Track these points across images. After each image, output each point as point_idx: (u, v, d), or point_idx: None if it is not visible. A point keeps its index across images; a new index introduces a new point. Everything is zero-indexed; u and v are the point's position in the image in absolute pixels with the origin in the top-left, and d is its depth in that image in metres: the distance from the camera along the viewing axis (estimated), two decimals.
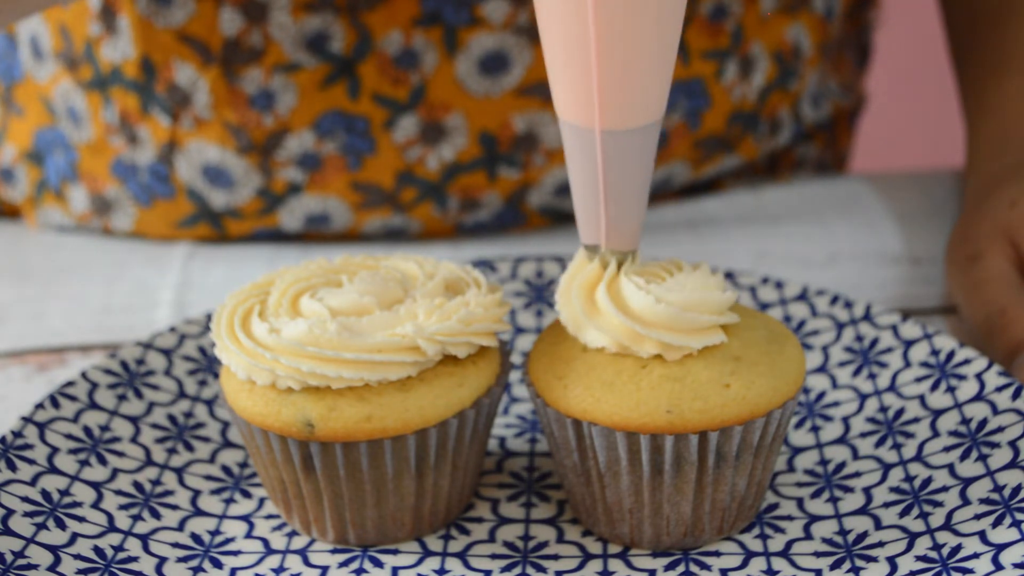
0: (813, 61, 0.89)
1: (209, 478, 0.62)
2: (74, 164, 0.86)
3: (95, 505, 0.59)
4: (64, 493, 0.58)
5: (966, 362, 0.63)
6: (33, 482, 0.58)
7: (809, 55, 0.88)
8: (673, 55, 0.52)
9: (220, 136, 0.80)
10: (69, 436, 0.61)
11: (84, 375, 0.64)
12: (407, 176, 0.81)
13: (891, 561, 0.55)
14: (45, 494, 0.58)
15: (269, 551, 0.58)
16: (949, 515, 0.56)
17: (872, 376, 0.65)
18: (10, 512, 0.56)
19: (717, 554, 0.57)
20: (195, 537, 0.59)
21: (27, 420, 0.60)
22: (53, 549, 0.55)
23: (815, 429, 0.64)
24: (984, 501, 0.56)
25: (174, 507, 0.60)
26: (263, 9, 0.77)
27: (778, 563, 0.56)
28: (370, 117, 0.79)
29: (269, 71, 0.78)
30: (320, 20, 0.77)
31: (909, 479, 0.59)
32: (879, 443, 0.62)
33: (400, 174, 0.81)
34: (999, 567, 0.52)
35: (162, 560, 0.57)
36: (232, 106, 0.79)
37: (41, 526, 0.56)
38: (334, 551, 0.58)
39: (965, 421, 0.60)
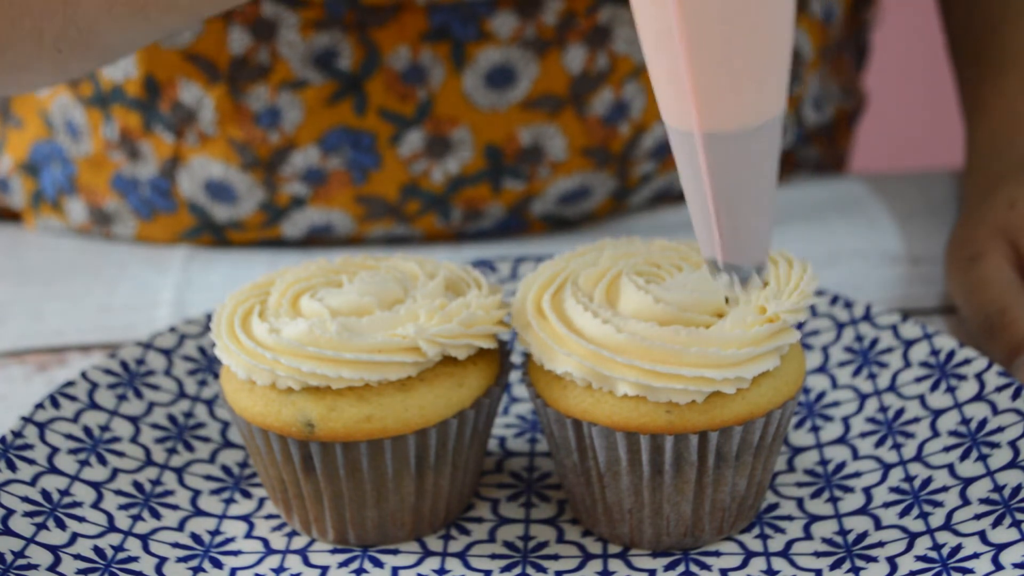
0: (814, 65, 0.89)
1: (209, 478, 0.62)
2: (72, 178, 0.85)
3: (95, 505, 0.59)
4: (64, 493, 0.58)
5: (966, 362, 0.63)
6: (33, 482, 0.58)
7: (810, 59, 0.88)
8: (787, 39, 0.46)
9: (224, 152, 0.80)
10: (69, 436, 0.61)
11: (84, 375, 0.64)
12: (412, 189, 0.81)
13: (891, 561, 0.55)
14: (45, 494, 0.58)
15: (269, 551, 0.58)
16: (949, 515, 0.56)
17: (872, 376, 0.65)
18: (10, 512, 0.56)
19: (717, 554, 0.57)
20: (195, 537, 0.59)
21: (27, 420, 0.60)
22: (53, 549, 0.55)
23: (815, 429, 0.64)
24: (984, 501, 0.56)
25: (174, 507, 0.60)
26: (272, 27, 0.76)
27: (778, 563, 0.56)
28: (376, 132, 0.79)
29: (276, 88, 0.78)
30: (328, 37, 0.76)
31: (909, 479, 0.59)
32: (879, 443, 0.62)
33: (405, 187, 0.81)
34: (999, 567, 0.52)
35: (162, 560, 0.57)
36: (237, 123, 0.79)
37: (41, 526, 0.56)
38: (334, 551, 0.58)
39: (965, 421, 0.60)
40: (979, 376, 0.62)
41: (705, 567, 0.56)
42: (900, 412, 0.63)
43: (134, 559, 0.56)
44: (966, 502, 0.56)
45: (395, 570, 0.57)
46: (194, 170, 0.81)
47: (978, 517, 0.55)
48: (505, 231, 0.85)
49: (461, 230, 0.84)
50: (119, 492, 0.60)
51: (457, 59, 0.77)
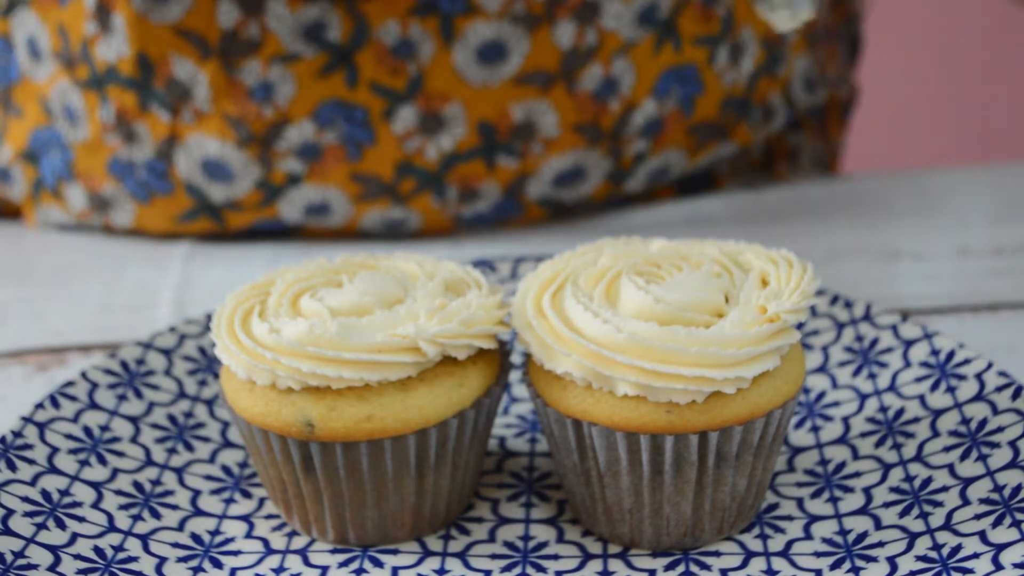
0: (797, 47, 0.90)
1: (209, 478, 0.62)
2: (70, 164, 0.86)
3: (95, 505, 0.59)
4: (64, 493, 0.58)
5: (966, 362, 0.63)
6: (33, 482, 0.58)
7: (792, 40, 0.89)
8: None
9: (220, 129, 0.80)
10: (69, 436, 0.61)
11: (84, 375, 0.64)
12: (406, 167, 0.82)
13: (891, 561, 0.55)
14: (45, 494, 0.58)
15: (269, 551, 0.58)
16: (949, 515, 0.56)
17: (872, 376, 0.65)
18: (10, 512, 0.56)
19: (717, 554, 0.57)
20: (195, 537, 0.59)
21: (27, 420, 0.60)
22: (53, 549, 0.55)
23: (815, 429, 0.64)
24: (984, 501, 0.56)
25: (174, 507, 0.60)
26: (260, 0, 0.77)
27: (778, 563, 0.56)
28: (369, 107, 0.80)
29: (267, 62, 0.78)
30: (317, 9, 0.77)
31: (909, 479, 0.59)
32: (879, 443, 0.62)
33: (399, 165, 0.82)
34: (999, 567, 0.52)
35: (162, 560, 0.57)
36: (232, 98, 0.79)
37: (41, 526, 0.56)
38: (334, 551, 0.58)
39: (965, 421, 0.60)
40: (979, 376, 0.62)
41: (705, 567, 0.56)
42: (900, 412, 0.63)
43: (134, 559, 0.56)
44: (966, 502, 0.56)
45: (395, 570, 0.57)
46: (191, 149, 0.82)
47: (978, 517, 0.55)
48: (502, 216, 0.85)
49: (457, 212, 0.84)
50: (119, 492, 0.60)
51: (446, 33, 0.78)
